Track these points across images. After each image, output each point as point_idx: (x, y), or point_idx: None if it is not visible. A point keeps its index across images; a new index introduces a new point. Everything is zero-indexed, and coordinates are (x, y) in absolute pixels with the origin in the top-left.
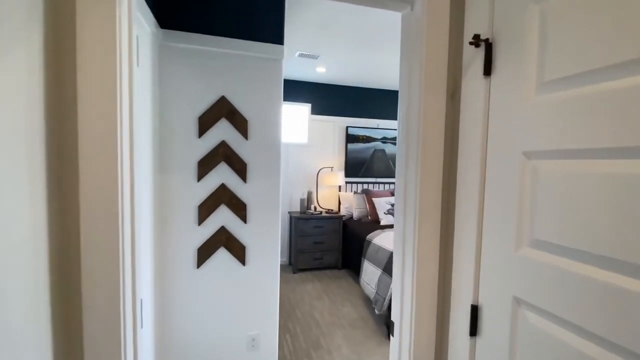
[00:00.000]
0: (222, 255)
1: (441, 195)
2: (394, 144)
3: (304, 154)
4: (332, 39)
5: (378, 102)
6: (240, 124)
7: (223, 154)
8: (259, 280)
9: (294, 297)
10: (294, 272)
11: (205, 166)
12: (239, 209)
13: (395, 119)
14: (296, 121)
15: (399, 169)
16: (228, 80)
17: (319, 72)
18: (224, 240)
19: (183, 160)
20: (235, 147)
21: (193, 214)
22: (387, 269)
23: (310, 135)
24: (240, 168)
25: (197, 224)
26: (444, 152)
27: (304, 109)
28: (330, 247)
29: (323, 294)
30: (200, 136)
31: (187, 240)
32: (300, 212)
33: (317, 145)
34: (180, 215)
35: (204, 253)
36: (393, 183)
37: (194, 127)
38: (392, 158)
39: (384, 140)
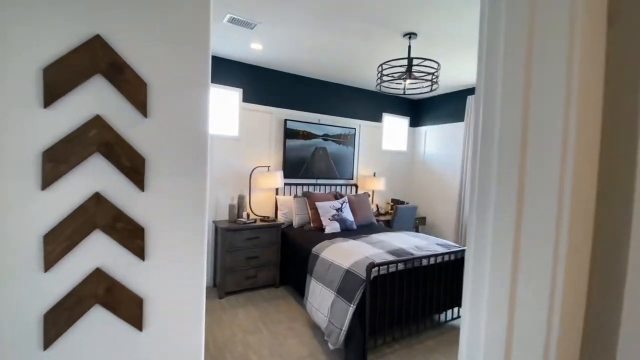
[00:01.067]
0: (97, 320)
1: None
2: (336, 142)
3: (234, 150)
4: (278, 2)
5: (321, 95)
6: (133, 89)
7: (98, 140)
8: (169, 350)
9: (222, 334)
10: (221, 297)
11: (58, 161)
12: (131, 236)
13: (340, 115)
14: (224, 109)
15: (503, 156)
16: (111, 9)
17: (255, 49)
18: (100, 293)
19: (8, 151)
20: (122, 129)
21: (33, 250)
22: (343, 291)
23: (242, 128)
24: (132, 166)
25: (43, 270)
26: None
27: (234, 94)
28: (267, 262)
29: (260, 324)
30: (49, 105)
31: (22, 300)
32: (229, 222)
33: (251, 139)
34: (5, 255)
35: (59, 321)
36: (336, 185)
37: (33, 87)
38: (334, 157)
39: (325, 137)
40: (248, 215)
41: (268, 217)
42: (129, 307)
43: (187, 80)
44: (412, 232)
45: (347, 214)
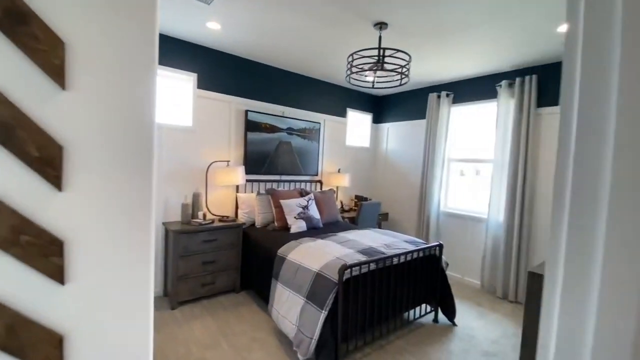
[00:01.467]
0: None
1: None
2: (301, 136)
3: (188, 143)
4: None
5: (285, 86)
6: (43, 48)
7: None
8: None
9: (174, 350)
10: (173, 308)
11: None
12: (42, 252)
13: (305, 108)
14: (175, 95)
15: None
16: None
17: (212, 30)
18: None
19: None
20: (27, 105)
21: None
22: (314, 297)
23: (197, 117)
24: (43, 156)
25: None
26: None
27: (188, 79)
28: (226, 266)
29: (219, 337)
30: None
31: None
32: (183, 223)
33: (207, 131)
34: None
35: None
36: (300, 181)
37: None
38: (299, 152)
39: (290, 131)
40: (204, 215)
41: (228, 216)
42: (42, 350)
43: (127, 50)
44: (378, 230)
45: (314, 212)
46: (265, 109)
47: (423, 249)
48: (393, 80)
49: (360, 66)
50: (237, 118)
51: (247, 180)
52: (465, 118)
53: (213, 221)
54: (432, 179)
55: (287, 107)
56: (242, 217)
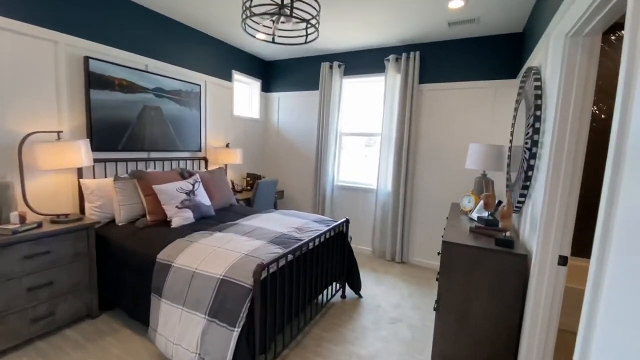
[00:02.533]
0: None
1: None
2: (175, 100)
3: None
4: None
5: (150, 31)
6: None
7: None
8: None
9: None
10: None
11: None
12: None
13: (179, 64)
14: None
15: None
16: None
17: None
18: None
19: None
20: None
21: None
22: (221, 312)
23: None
24: None
25: None
26: None
27: None
28: (71, 287)
29: None
30: None
31: None
32: None
33: (15, 83)
34: None
35: None
36: (179, 159)
37: None
38: (174, 122)
39: (159, 92)
40: (22, 216)
41: (67, 214)
42: None
43: None
44: (284, 212)
45: (202, 198)
46: (119, 59)
47: (333, 228)
48: (299, 32)
49: (257, 9)
50: (72, 68)
51: (96, 160)
52: (356, 91)
53: (40, 224)
54: (327, 153)
55: (154, 60)
56: (93, 213)
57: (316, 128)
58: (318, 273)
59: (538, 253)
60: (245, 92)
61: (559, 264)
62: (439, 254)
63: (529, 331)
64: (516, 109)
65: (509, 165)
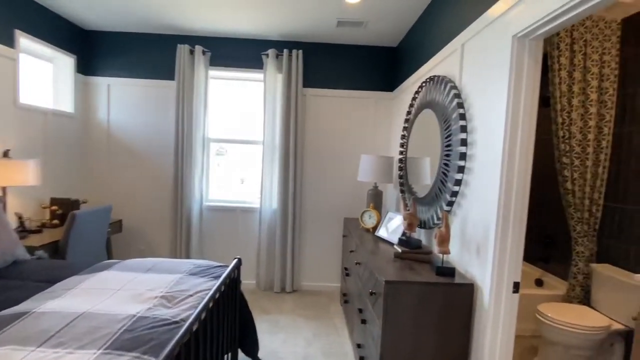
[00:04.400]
0: None
1: None
2: None
3: None
4: None
5: None
6: None
7: None
8: None
9: None
10: None
11: None
12: None
13: None
14: None
15: None
16: None
17: None
18: None
19: None
20: None
21: None
22: None
23: None
24: None
25: None
26: None
27: None
28: None
29: None
30: None
31: None
32: None
33: None
34: None
35: None
36: None
37: None
38: None
39: None
40: None
41: None
42: None
43: None
44: (131, 263)
45: None
46: None
47: (224, 281)
48: None
49: None
50: None
51: None
52: (229, 87)
53: None
54: (191, 165)
55: None
56: None
57: (173, 131)
58: (205, 355)
59: (493, 284)
60: (46, 70)
61: (513, 292)
62: (372, 293)
63: None
64: (408, 120)
65: (401, 177)
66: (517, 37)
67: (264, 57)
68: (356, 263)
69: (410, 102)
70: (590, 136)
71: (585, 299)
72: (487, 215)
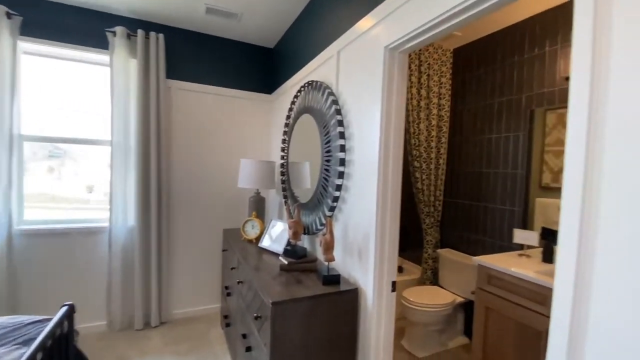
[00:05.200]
0: None
1: None
2: None
3: None
4: None
5: None
6: None
7: None
8: None
9: None
10: None
11: None
12: None
13: None
14: None
15: None
16: None
17: None
18: None
19: None
20: None
21: None
22: None
23: None
24: None
25: None
26: None
27: None
28: None
29: None
30: None
31: None
32: None
33: None
34: None
35: None
36: None
37: None
38: None
39: None
40: None
41: None
42: None
43: None
44: None
45: None
46: None
47: (44, 341)
48: None
49: None
50: None
51: None
52: (53, 67)
53: None
54: None
55: None
56: None
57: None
58: None
59: (376, 286)
60: None
61: (392, 290)
62: (257, 317)
63: None
64: (288, 125)
65: (284, 182)
66: (389, 48)
67: (109, 35)
68: (238, 282)
69: (289, 106)
70: (433, 144)
71: (435, 280)
72: (367, 219)
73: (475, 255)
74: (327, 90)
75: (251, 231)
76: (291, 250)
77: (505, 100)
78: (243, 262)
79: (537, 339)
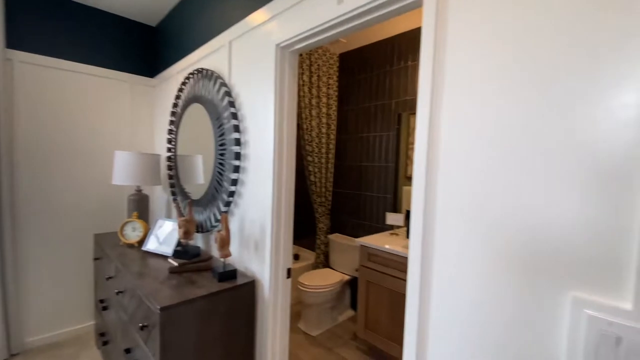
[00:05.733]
0: None
1: None
2: None
3: None
4: None
5: None
6: None
7: None
8: None
9: None
10: None
11: None
12: None
13: None
14: None
15: None
16: None
17: None
18: None
19: None
20: None
21: None
22: None
23: None
24: None
25: None
26: None
27: None
28: None
29: None
30: None
31: None
32: None
33: None
34: None
35: None
36: None
37: None
38: None
39: None
40: None
41: None
42: None
43: None
44: None
45: None
46: None
47: None
48: None
49: None
50: None
51: None
52: None
53: None
54: None
55: None
56: None
57: None
58: None
59: (272, 275)
60: None
61: (287, 277)
62: (143, 327)
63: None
64: (175, 113)
65: (172, 177)
66: (280, 46)
67: None
68: (117, 292)
69: (177, 94)
70: (323, 140)
71: (327, 262)
72: (263, 211)
73: (358, 237)
74: (219, 81)
75: (132, 234)
76: (182, 251)
77: (380, 104)
78: (123, 270)
79: (404, 301)
